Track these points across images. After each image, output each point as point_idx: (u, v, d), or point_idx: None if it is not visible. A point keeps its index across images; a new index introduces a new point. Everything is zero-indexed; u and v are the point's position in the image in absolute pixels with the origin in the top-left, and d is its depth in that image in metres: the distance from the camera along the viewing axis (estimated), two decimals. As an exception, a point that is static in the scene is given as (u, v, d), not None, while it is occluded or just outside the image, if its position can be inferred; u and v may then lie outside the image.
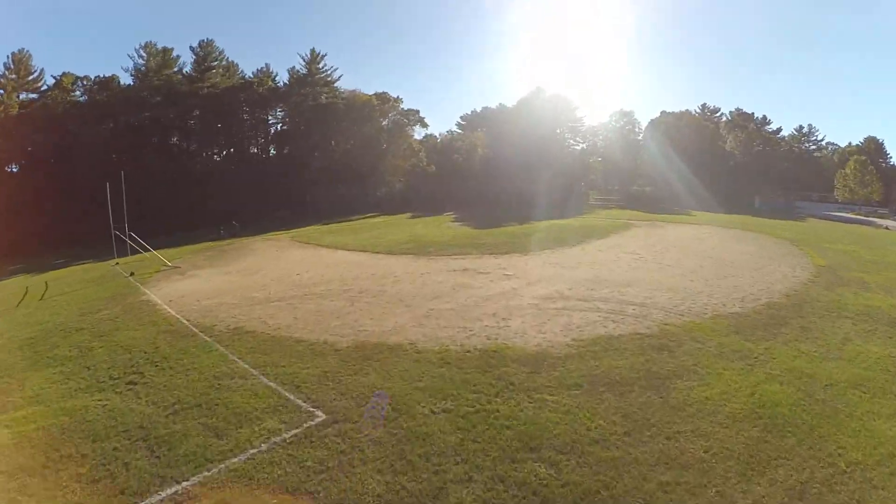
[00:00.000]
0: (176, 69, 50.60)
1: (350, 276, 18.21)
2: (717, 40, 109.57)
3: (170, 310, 14.68)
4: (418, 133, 61.91)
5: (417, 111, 59.37)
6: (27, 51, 49.90)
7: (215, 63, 52.59)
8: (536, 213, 39.41)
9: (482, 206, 47.48)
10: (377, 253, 23.62)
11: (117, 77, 50.77)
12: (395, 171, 55.23)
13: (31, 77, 49.43)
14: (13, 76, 49.18)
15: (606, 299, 13.73)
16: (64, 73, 50.53)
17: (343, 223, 40.96)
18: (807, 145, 63.93)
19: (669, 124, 60.31)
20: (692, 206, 44.79)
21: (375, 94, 56.44)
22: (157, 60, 49.00)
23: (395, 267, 19.79)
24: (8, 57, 49.01)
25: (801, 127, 64.37)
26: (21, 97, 48.50)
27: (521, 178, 51.17)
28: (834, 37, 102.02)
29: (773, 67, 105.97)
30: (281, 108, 55.99)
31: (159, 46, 49.44)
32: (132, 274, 21.77)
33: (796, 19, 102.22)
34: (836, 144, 64.57)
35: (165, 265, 23.31)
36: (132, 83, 48.77)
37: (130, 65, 49.91)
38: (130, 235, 25.46)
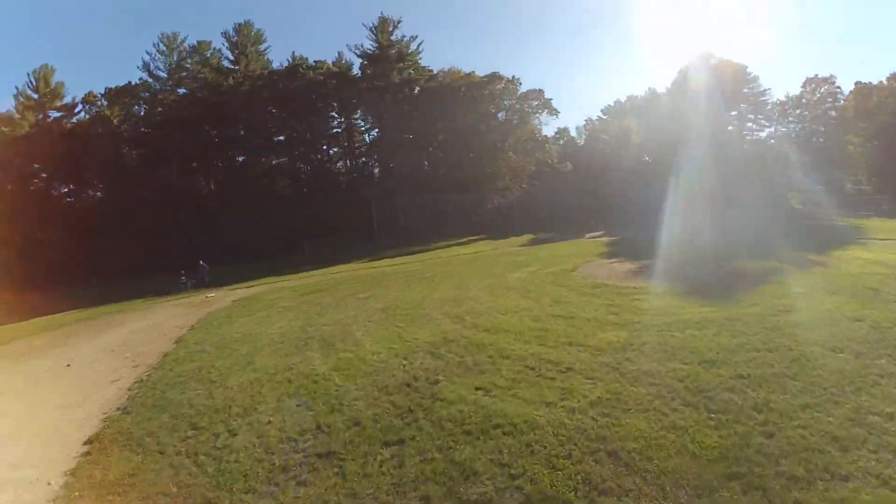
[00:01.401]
0: (209, 54, 38.24)
1: None
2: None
3: None
4: (546, 126, 46.47)
5: (542, 91, 41.89)
6: (51, 66, 41.22)
7: (252, 49, 39.07)
8: (764, 236, 21.25)
9: (646, 222, 29.47)
10: None
11: (147, 85, 40.06)
12: (515, 175, 38.83)
13: (50, 92, 40.61)
14: (34, 94, 40.72)
15: None
16: (88, 93, 41.56)
17: (399, 259, 26.23)
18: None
19: (883, 95, 41.70)
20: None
21: (482, 76, 40.31)
22: (182, 54, 36.89)
23: None
24: (28, 74, 40.91)
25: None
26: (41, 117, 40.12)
27: (696, 180, 31.94)
28: None
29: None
30: (353, 101, 41.56)
31: (184, 39, 37.12)
32: None
33: None
34: None
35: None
36: (155, 87, 37.46)
37: (144, 62, 38.67)
38: None
